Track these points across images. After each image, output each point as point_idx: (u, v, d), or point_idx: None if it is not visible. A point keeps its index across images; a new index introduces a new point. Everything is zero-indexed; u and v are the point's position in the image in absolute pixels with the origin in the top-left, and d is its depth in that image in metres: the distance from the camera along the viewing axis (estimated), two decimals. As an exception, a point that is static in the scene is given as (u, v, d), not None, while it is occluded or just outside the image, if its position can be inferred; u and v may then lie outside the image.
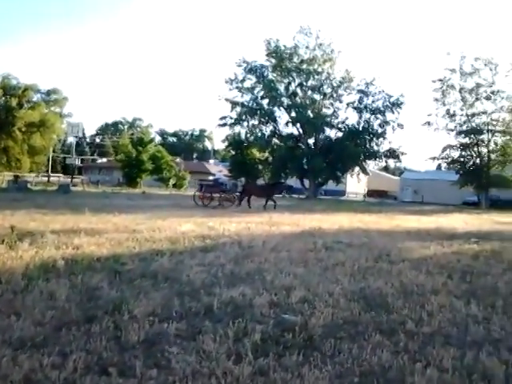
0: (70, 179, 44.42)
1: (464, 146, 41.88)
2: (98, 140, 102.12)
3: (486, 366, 3.04)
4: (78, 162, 54.02)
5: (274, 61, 43.98)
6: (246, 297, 4.53)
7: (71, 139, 62.24)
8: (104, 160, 78.81)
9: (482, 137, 41.32)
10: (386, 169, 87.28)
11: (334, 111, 46.46)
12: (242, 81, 44.59)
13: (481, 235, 12.36)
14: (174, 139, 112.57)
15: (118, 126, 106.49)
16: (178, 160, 57.72)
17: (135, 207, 17.47)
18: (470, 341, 3.59)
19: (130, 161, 47.09)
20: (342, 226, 13.46)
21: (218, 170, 69.03)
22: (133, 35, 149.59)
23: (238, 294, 4.60)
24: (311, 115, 44.01)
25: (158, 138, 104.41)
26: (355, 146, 43.25)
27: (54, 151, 63.04)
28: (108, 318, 3.65)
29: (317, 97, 45.60)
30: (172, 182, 48.86)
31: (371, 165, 56.14)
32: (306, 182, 45.13)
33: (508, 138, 40.90)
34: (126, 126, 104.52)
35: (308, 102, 44.91)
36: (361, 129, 44.78)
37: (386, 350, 3.25)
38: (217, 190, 21.48)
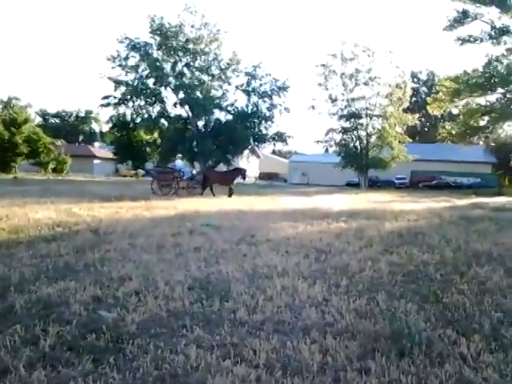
0: None
1: (345, 130, 44.01)
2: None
3: (304, 357, 2.78)
4: None
5: (158, 38, 42.12)
6: (67, 292, 3.92)
7: None
8: (-28, 142, 70.72)
9: (361, 121, 43.70)
10: (278, 152, 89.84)
11: (223, 93, 46.00)
12: (126, 58, 42.15)
13: (352, 214, 12.76)
14: (57, 120, 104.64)
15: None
16: (58, 143, 53.63)
17: (-5, 194, 15.64)
18: (299, 327, 3.35)
19: (2, 143, 42.65)
20: (220, 209, 13.16)
21: (103, 153, 65.70)
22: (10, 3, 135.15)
23: (59, 289, 3.98)
24: (200, 96, 43.15)
25: (38, 119, 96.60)
26: (245, 129, 43.32)
27: None
28: None
29: (205, 78, 44.75)
30: (51, 166, 45.24)
31: (265, 149, 57.24)
32: (197, 165, 44.45)
33: (384, 121, 43.73)
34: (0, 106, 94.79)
35: (196, 83, 43.87)
36: (249, 112, 44.89)
37: (200, 347, 2.87)
38: (170, 176, 20.27)
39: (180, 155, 43.20)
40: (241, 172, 21.90)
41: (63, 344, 2.83)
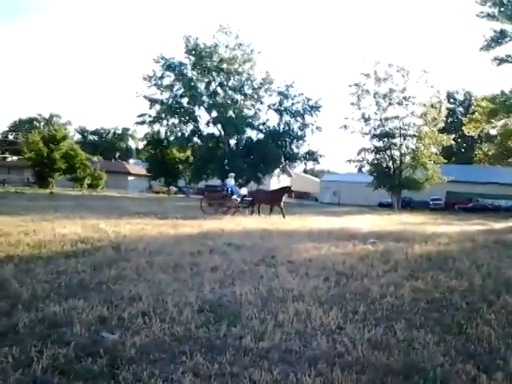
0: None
1: (378, 149, 43.33)
2: (10, 137, 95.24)
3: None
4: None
5: (193, 58, 43.04)
6: (74, 311, 3.86)
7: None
8: (15, 158, 73.53)
9: (394, 140, 42.91)
10: (310, 171, 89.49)
11: (255, 112, 46.41)
12: (161, 78, 43.24)
13: (381, 235, 12.40)
14: (95, 137, 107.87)
15: (33, 122, 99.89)
16: (95, 159, 55.08)
17: (29, 208, 16.05)
18: (307, 357, 3.17)
19: (41, 159, 44.10)
20: (245, 227, 13.04)
21: (138, 170, 67.00)
22: (51, 26, 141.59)
23: (67, 308, 3.93)
24: (233, 115, 43.63)
25: (77, 136, 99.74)
26: (276, 148, 43.45)
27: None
28: None
29: (238, 97, 45.31)
30: (87, 181, 46.40)
31: (297, 168, 57.15)
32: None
33: (419, 141, 42.87)
34: (42, 123, 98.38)
35: (229, 102, 44.46)
36: (281, 131, 45.05)
37: (197, 375, 2.74)
38: (219, 195, 19.95)
39: (210, 172, 43.53)
40: (288, 190, 20.90)
41: (56, 368, 2.75)
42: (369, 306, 4.59)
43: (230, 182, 21.05)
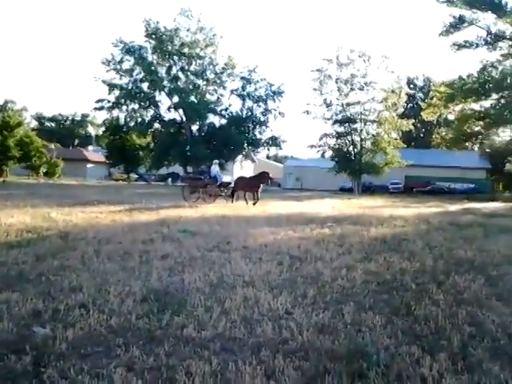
0: None
1: (339, 135, 43.80)
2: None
3: (244, 382, 2.48)
4: None
5: (153, 42, 42.07)
6: (5, 305, 3.61)
7: None
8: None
9: (355, 126, 43.50)
10: (274, 157, 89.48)
11: (218, 98, 45.99)
12: (120, 62, 42.09)
13: (339, 219, 12.46)
14: (53, 124, 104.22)
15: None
16: (52, 146, 53.19)
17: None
18: (250, 345, 3.06)
19: (-7, 147, 42.15)
20: (203, 214, 12.85)
21: (97, 157, 65.31)
22: (3, 6, 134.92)
23: (-1, 301, 3.67)
24: (194, 101, 42.98)
25: (34, 123, 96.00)
26: (239, 134, 43.17)
27: None
28: None
29: (200, 82, 44.69)
30: (43, 170, 44.78)
31: (260, 153, 57.05)
32: (190, 170, 44.23)
33: (379, 127, 43.52)
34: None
35: (191, 87, 43.81)
36: (244, 116, 44.83)
37: (130, 370, 2.58)
38: (201, 183, 19.37)
39: (172, 159, 42.91)
40: (266, 176, 19.86)
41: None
42: (319, 290, 4.53)
43: (215, 169, 20.73)
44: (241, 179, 20.53)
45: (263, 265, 5.64)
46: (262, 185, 19.59)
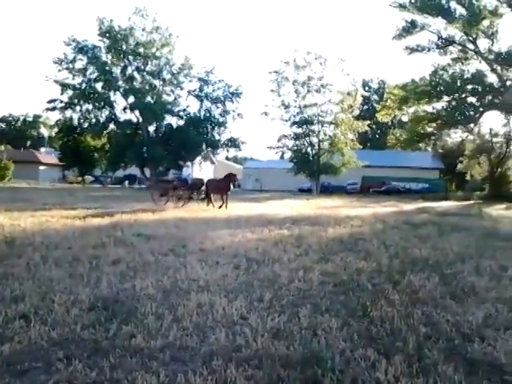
0: None
1: (297, 136, 44.13)
2: None
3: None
4: None
5: (107, 41, 40.90)
6: None
7: None
8: None
9: (313, 127, 43.89)
10: (234, 158, 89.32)
11: (175, 98, 45.29)
12: (73, 61, 40.65)
13: (298, 220, 12.48)
14: (3, 125, 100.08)
15: None
16: (1, 148, 51.00)
17: None
18: (202, 354, 2.92)
19: None
20: (161, 217, 12.56)
21: (50, 159, 63.13)
22: None
23: None
24: (151, 101, 42.17)
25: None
26: (197, 135, 42.65)
27: None
28: None
29: (156, 82, 43.90)
30: (-8, 173, 42.76)
31: (219, 155, 56.68)
32: (148, 172, 43.47)
33: (336, 128, 44.14)
34: None
35: (147, 88, 42.96)
36: (202, 117, 44.34)
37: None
38: (169, 186, 18.90)
39: (128, 160, 41.98)
40: (233, 178, 19.10)
41: None
42: (276, 293, 4.45)
43: (187, 171, 20.45)
44: (211, 181, 20.17)
45: (219, 268, 5.51)
46: (230, 187, 19.04)
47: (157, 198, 18.58)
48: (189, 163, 21.75)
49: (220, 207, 17.46)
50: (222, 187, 18.66)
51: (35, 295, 4.02)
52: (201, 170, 47.62)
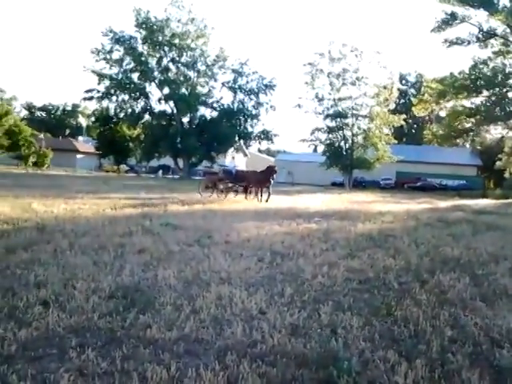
0: None
1: (330, 129, 43.62)
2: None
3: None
4: None
5: (144, 32, 41.39)
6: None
7: None
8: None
9: (347, 121, 43.32)
10: (267, 151, 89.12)
11: (209, 90, 45.47)
12: (110, 52, 41.37)
13: (327, 214, 12.30)
14: (44, 114, 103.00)
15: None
16: (41, 136, 52.50)
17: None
18: (217, 348, 2.87)
19: (-20, 136, 41.59)
20: (190, 207, 12.62)
21: (87, 147, 64.66)
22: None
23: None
24: (185, 92, 42.51)
25: (24, 113, 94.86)
26: (230, 127, 42.79)
27: None
28: None
29: (191, 74, 44.17)
30: (32, 160, 44.17)
31: (252, 147, 56.72)
32: (181, 162, 43.93)
33: (370, 122, 43.37)
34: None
35: (182, 79, 43.29)
36: (235, 109, 44.42)
37: (82, 375, 2.39)
38: (215, 178, 19.14)
39: (162, 151, 42.53)
40: (275, 171, 18.47)
41: None
42: (298, 288, 4.35)
43: (232, 163, 20.47)
44: (253, 174, 19.91)
45: (243, 261, 5.45)
46: (271, 180, 18.61)
47: (203, 189, 18.63)
48: (234, 154, 21.61)
49: (260, 200, 17.19)
50: (262, 180, 18.34)
51: (58, 281, 4.07)
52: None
